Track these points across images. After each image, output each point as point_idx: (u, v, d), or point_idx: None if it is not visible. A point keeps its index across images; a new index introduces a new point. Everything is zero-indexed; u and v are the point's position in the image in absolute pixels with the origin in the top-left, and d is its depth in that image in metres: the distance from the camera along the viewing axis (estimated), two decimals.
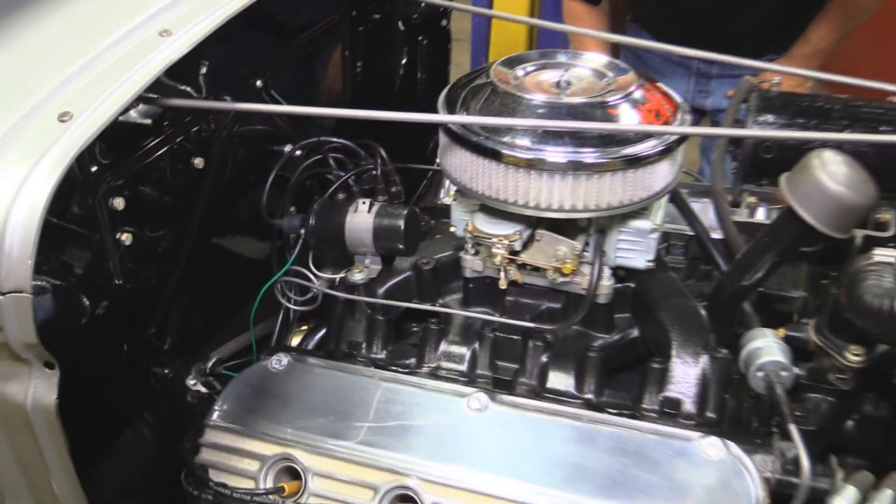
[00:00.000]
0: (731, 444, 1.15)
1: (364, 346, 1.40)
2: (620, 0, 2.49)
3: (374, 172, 1.52)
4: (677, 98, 1.31)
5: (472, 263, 1.36)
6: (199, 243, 1.43)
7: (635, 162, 1.20)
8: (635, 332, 1.37)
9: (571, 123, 1.19)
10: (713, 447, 1.12)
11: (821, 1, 2.16)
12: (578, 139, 1.19)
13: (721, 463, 1.10)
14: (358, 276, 1.41)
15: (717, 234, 1.46)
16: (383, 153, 1.55)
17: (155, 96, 1.12)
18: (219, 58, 1.38)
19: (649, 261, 1.31)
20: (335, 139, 1.55)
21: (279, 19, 1.61)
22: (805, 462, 1.11)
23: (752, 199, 1.53)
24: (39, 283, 0.98)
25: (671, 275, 1.40)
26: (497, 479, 1.11)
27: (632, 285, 1.36)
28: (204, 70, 1.35)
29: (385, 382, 1.26)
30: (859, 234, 1.51)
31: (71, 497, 1.11)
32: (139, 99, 1.03)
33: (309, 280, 1.43)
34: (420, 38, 1.97)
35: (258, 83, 1.51)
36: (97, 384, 1.23)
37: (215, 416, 1.26)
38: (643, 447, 1.13)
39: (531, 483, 1.11)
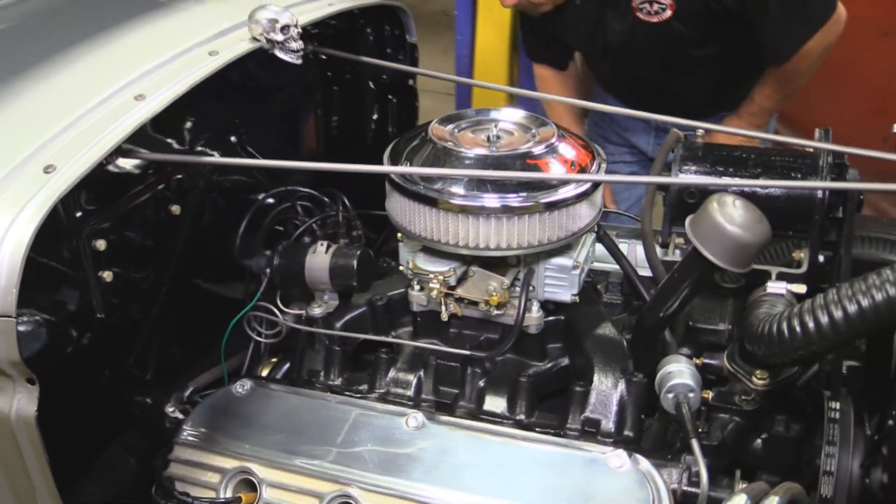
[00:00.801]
0: (640, 458, 1.28)
1: (322, 374, 1.54)
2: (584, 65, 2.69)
3: (336, 218, 1.69)
4: (596, 148, 1.47)
5: (417, 298, 1.52)
6: (178, 282, 1.59)
7: (554, 205, 1.36)
8: (565, 361, 1.51)
9: (497, 173, 1.35)
10: (618, 458, 1.25)
11: (761, 67, 2.34)
12: (504, 186, 1.35)
13: (625, 473, 1.24)
14: (317, 311, 1.57)
15: (647, 272, 1.61)
16: (346, 201, 1.72)
17: (131, 148, 1.28)
18: (197, 116, 1.56)
19: (574, 295, 1.46)
20: (302, 189, 1.72)
21: (255, 81, 1.79)
22: (703, 473, 1.24)
23: (679, 241, 1.67)
24: (25, 311, 1.13)
25: (599, 309, 1.55)
26: (428, 488, 1.25)
27: (562, 318, 1.51)
28: (183, 127, 1.53)
29: (336, 405, 1.41)
30: (774, 270, 1.67)
31: None
32: (116, 153, 1.21)
33: (274, 315, 1.58)
34: (389, 96, 2.15)
35: (232, 138, 1.68)
36: (81, 407, 1.38)
37: (184, 434, 1.41)
38: (557, 459, 1.27)
39: (457, 490, 1.25)
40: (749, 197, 1.57)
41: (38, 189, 1.09)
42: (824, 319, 1.16)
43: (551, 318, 1.51)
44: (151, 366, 1.63)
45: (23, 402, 1.13)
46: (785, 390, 1.44)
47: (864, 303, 1.13)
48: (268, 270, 1.58)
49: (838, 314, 1.15)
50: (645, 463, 1.28)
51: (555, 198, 1.36)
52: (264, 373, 1.66)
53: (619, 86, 2.54)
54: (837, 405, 1.39)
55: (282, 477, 1.32)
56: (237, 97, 1.73)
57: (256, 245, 1.67)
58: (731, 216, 1.28)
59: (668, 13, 2.22)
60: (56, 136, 1.16)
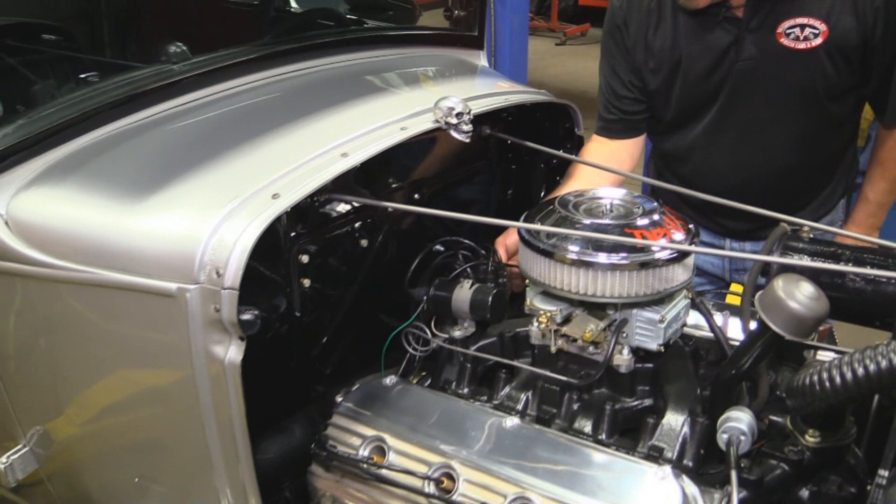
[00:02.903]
0: (688, 480, 1.55)
1: (454, 383, 1.95)
2: None
3: (486, 266, 2.10)
4: (691, 226, 1.79)
5: (535, 334, 1.88)
6: (358, 299, 2.07)
7: (645, 265, 1.69)
8: (650, 402, 1.80)
9: (594, 234, 1.71)
10: (662, 472, 1.53)
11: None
12: (607, 246, 1.70)
13: (663, 483, 1.52)
14: (457, 333, 1.98)
15: None
16: (499, 253, 2.14)
17: (334, 190, 1.79)
18: (391, 175, 2.06)
19: (659, 345, 1.76)
20: (465, 240, 2.15)
21: (443, 153, 2.28)
22: (734, 498, 1.49)
23: None
24: (246, 288, 1.62)
25: (686, 365, 1.83)
26: (504, 468, 1.61)
27: (650, 365, 1.81)
28: (379, 181, 2.03)
29: (456, 403, 1.81)
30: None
31: (242, 444, 1.71)
32: (321, 191, 1.72)
33: (424, 333, 2.01)
34: (557, 177, 2.56)
35: (416, 196, 2.17)
36: (270, 379, 1.86)
37: (341, 407, 1.86)
38: (609, 464, 1.58)
39: (520, 471, 1.60)
40: (838, 288, 1.80)
41: (266, 208, 1.61)
42: (838, 377, 1.39)
43: (646, 364, 1.81)
44: (333, 363, 2.11)
45: (233, 352, 1.61)
46: (841, 454, 1.64)
47: (871, 367, 1.35)
48: (424, 298, 2.02)
49: (848, 374, 1.37)
50: (691, 486, 1.55)
51: (646, 259, 1.69)
52: (413, 381, 2.09)
53: (715, 160, 2.43)
54: (886, 473, 1.57)
55: (404, 447, 1.73)
56: (426, 164, 2.22)
57: (422, 279, 2.12)
58: (791, 292, 1.54)
59: (819, 41, 2.10)
60: (284, 175, 1.68)
